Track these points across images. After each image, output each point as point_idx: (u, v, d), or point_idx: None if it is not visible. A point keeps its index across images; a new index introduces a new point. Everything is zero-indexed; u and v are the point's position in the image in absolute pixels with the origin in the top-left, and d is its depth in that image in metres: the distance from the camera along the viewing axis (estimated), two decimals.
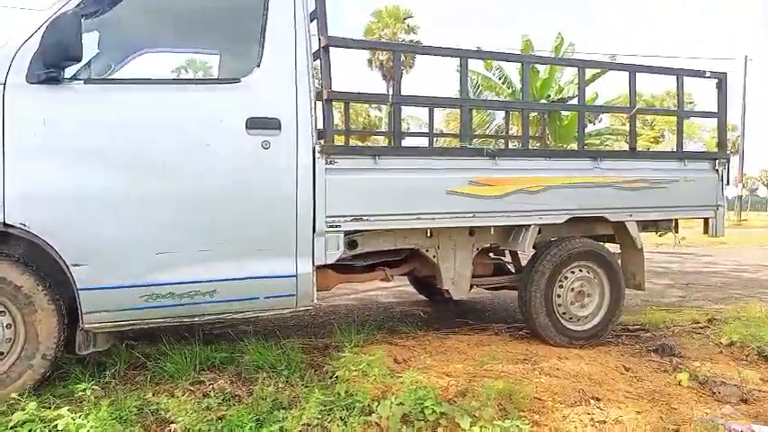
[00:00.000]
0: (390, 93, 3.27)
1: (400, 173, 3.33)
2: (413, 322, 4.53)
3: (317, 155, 3.13)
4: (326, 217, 3.17)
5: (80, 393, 2.68)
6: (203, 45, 4.20)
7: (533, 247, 3.91)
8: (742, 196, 32.84)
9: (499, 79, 18.88)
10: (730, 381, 3.34)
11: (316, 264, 3.20)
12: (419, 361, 3.41)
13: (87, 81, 2.83)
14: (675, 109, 4.05)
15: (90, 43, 3.51)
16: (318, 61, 3.27)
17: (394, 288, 6.28)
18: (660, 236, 4.42)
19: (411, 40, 34.17)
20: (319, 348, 3.75)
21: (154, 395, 2.80)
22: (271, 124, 3.03)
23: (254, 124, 3.00)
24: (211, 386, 2.95)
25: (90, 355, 3.12)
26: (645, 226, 4.27)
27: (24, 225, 2.65)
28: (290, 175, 3.07)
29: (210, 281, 2.99)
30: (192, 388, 2.94)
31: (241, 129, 2.98)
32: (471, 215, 3.49)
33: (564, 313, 3.85)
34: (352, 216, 3.24)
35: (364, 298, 5.80)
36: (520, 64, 4.04)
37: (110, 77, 2.85)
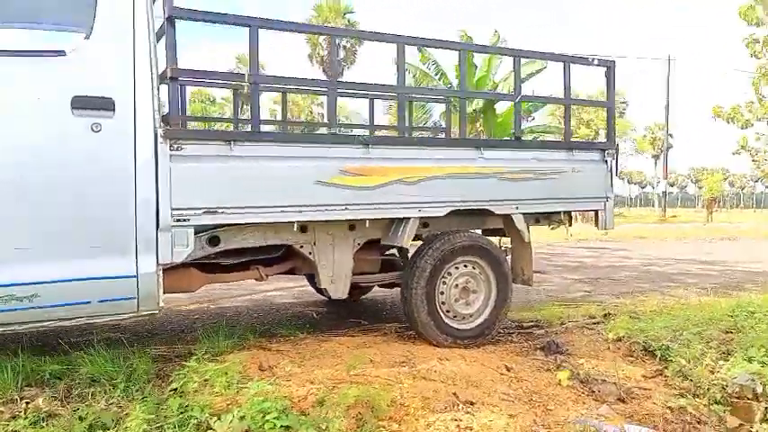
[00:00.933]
0: (247, 72, 2.95)
1: (260, 161, 3.02)
2: (300, 325, 4.24)
3: (160, 140, 2.77)
4: (172, 210, 2.82)
5: None
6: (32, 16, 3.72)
7: (422, 241, 3.70)
8: (666, 192, 34.24)
9: (436, 74, 18.85)
10: (611, 378, 3.22)
11: (161, 262, 2.84)
12: (284, 367, 3.12)
13: None
14: (563, 98, 3.91)
15: None
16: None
17: (296, 288, 6.00)
18: (552, 229, 4.29)
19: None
20: (181, 356, 3.39)
21: None
22: (102, 104, 2.66)
23: (81, 104, 2.62)
24: (26, 405, 2.56)
25: None
26: (537, 219, 4.13)
27: None
28: (126, 162, 2.71)
29: (30, 283, 2.59)
30: (2, 408, 2.54)
31: (65, 109, 2.60)
32: (343, 207, 3.22)
33: (448, 311, 3.64)
34: (203, 209, 2.90)
35: (259, 299, 5.46)
36: (458, 53, 3.78)
37: None
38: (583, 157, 3.94)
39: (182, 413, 2.48)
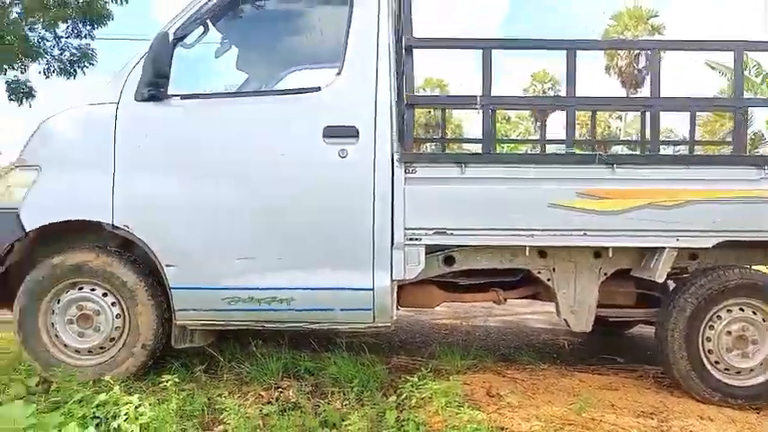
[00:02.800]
0: (479, 94, 2.94)
1: (491, 183, 2.97)
2: (546, 353, 4.03)
3: (396, 163, 2.96)
4: (405, 229, 2.98)
5: (164, 384, 2.92)
6: (317, 59, 4.28)
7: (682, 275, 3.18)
8: None
9: (756, 76, 16.08)
10: None
11: (395, 278, 3.02)
12: (513, 397, 2.99)
13: (183, 97, 3.08)
14: None
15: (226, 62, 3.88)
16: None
17: (554, 313, 5.70)
18: None
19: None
20: (418, 370, 3.53)
21: (230, 395, 2.93)
22: (348, 132, 2.96)
23: (331, 132, 2.96)
24: (279, 393, 2.98)
25: (202, 348, 3.37)
26: None
27: (128, 227, 2.99)
28: (366, 184, 2.96)
29: (288, 288, 3.02)
30: (263, 393, 3.01)
31: (318, 137, 2.97)
32: (581, 233, 2.95)
33: (716, 362, 3.02)
34: (434, 229, 2.99)
35: (513, 321, 5.35)
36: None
37: (197, 93, 3.06)
38: None
39: (399, 427, 2.59)
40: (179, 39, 2.99)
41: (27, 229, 2.99)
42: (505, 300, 3.56)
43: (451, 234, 2.99)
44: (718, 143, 8.56)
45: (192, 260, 3.01)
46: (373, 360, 3.41)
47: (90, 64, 16.43)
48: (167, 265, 3.00)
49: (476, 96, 2.94)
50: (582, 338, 4.69)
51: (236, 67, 3.92)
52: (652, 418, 2.86)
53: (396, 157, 2.96)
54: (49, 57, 16.20)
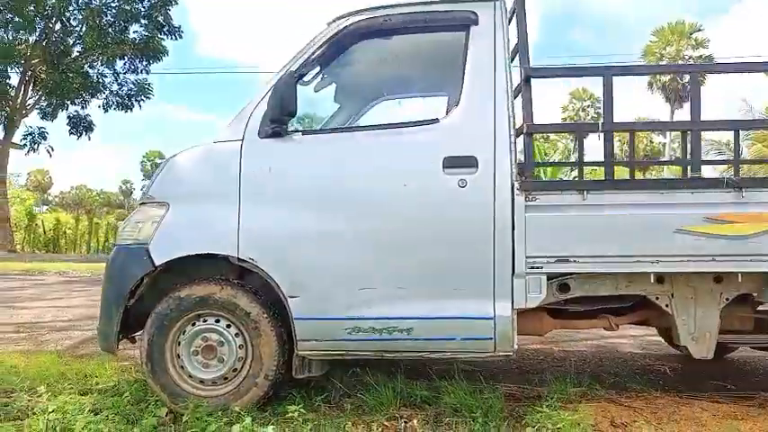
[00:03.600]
0: (600, 120, 2.95)
1: (614, 209, 2.95)
2: (651, 380, 3.93)
3: (516, 191, 2.97)
4: (527, 258, 2.98)
5: (290, 414, 2.95)
6: (425, 88, 4.42)
7: None
8: None
9: None
10: None
11: (516, 307, 3.01)
12: (640, 428, 2.93)
13: (304, 132, 3.17)
14: None
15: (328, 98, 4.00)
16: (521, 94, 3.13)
17: (643, 337, 5.59)
18: None
19: (700, 57, 30.70)
20: (530, 398, 3.49)
21: (353, 425, 2.94)
22: (467, 162, 2.99)
23: (451, 163, 3.00)
24: (404, 424, 2.98)
25: (314, 379, 3.41)
26: None
27: (253, 260, 3.06)
28: (486, 213, 2.98)
29: (408, 318, 3.03)
30: (386, 423, 3.01)
31: (438, 168, 3.01)
32: (709, 258, 2.90)
33: None
34: (555, 257, 2.98)
35: (604, 345, 5.25)
36: None
37: (317, 129, 3.15)
38: None
39: None
40: (299, 78, 3.09)
41: (157, 264, 3.09)
42: (618, 326, 3.51)
43: (574, 261, 2.98)
44: None
45: (315, 291, 3.06)
46: (485, 387, 3.39)
47: (146, 98, 17.16)
48: (290, 297, 3.05)
49: (597, 123, 2.94)
50: (680, 364, 4.58)
51: (334, 100, 4.03)
52: None
53: (516, 185, 2.97)
54: (107, 92, 16.99)
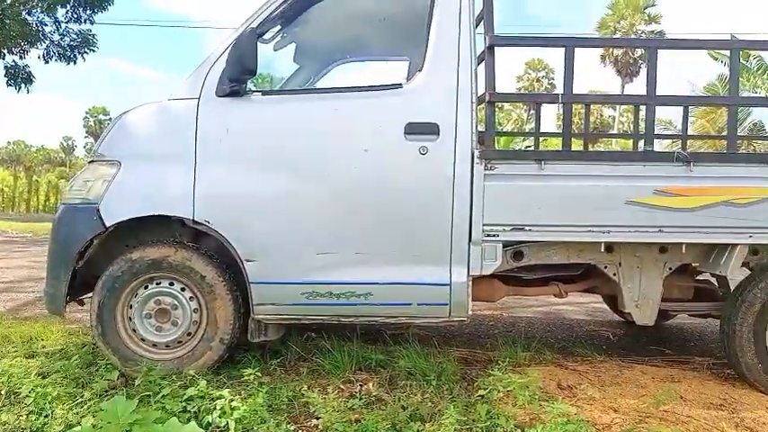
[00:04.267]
0: (560, 92, 2.98)
1: (569, 180, 3.01)
2: (595, 345, 4.11)
3: (476, 160, 2.99)
4: (484, 225, 3.02)
5: (246, 378, 2.95)
6: (387, 52, 4.36)
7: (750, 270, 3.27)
8: None
9: (758, 69, 16.32)
10: None
11: (471, 274, 3.06)
12: (585, 390, 3.07)
13: (264, 93, 3.09)
14: None
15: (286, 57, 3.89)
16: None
17: (588, 304, 5.81)
18: None
19: (652, 32, 31.36)
20: (481, 362, 3.60)
21: (309, 388, 2.96)
22: (429, 129, 2.99)
23: (413, 129, 2.99)
24: (360, 387, 3.02)
25: (269, 343, 3.40)
26: None
27: (208, 222, 3.00)
28: (446, 181, 2.99)
29: (366, 283, 3.05)
30: (342, 386, 3.05)
31: (400, 135, 2.99)
32: (656, 230, 3.02)
33: None
34: (511, 225, 3.03)
35: (551, 312, 5.44)
36: None
37: (278, 89, 3.07)
38: None
39: (488, 419, 2.65)
40: (260, 35, 2.99)
41: (107, 225, 2.99)
42: (567, 293, 3.63)
43: (529, 230, 3.04)
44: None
45: (272, 255, 3.03)
46: (438, 352, 3.47)
47: (90, 50, 16.26)
48: (247, 260, 3.01)
49: (557, 94, 2.98)
50: (623, 330, 4.80)
51: (293, 60, 3.93)
52: (723, 410, 2.95)
53: (476, 153, 2.99)
54: (48, 42, 16.02)
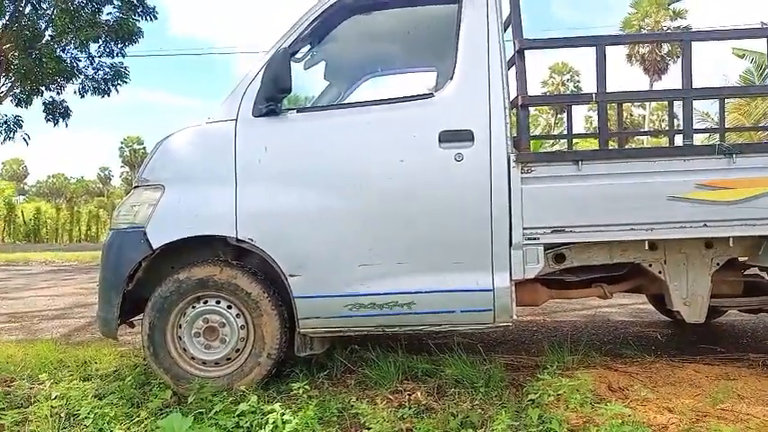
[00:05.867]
0: (594, 91, 2.97)
1: (608, 179, 2.99)
2: (644, 346, 4.03)
3: (512, 164, 2.99)
4: (523, 229, 3.01)
5: (295, 391, 2.98)
6: (415, 63, 4.40)
7: None
8: None
9: None
10: None
11: (514, 278, 3.05)
12: (638, 391, 3.01)
13: (299, 110, 3.16)
14: None
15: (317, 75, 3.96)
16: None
17: (632, 305, 5.71)
18: None
19: (678, 27, 30.82)
20: (528, 367, 3.56)
21: (357, 400, 2.98)
22: (463, 136, 3.01)
23: (447, 137, 3.01)
24: (408, 396, 3.03)
25: (315, 356, 3.43)
26: None
27: (252, 240, 3.06)
28: (483, 186, 3.00)
29: (408, 292, 3.06)
30: (390, 396, 3.05)
31: (434, 143, 3.01)
32: (701, 224, 2.96)
33: None
34: (551, 228, 3.02)
35: (595, 315, 5.35)
36: None
37: (311, 106, 3.13)
38: None
39: (541, 424, 2.62)
40: (292, 54, 3.06)
41: (154, 247, 3.08)
42: (612, 294, 3.58)
43: (570, 232, 3.02)
44: None
45: (315, 269, 3.07)
46: (485, 359, 3.45)
47: (123, 82, 16.79)
48: (290, 276, 3.06)
49: (591, 93, 2.97)
50: (670, 329, 4.70)
51: (324, 77, 4.00)
52: None
53: (511, 157, 2.99)
54: (83, 76, 16.60)
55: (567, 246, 3.23)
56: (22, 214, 25.44)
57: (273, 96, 3.00)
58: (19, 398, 3.12)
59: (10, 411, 2.92)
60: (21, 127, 17.44)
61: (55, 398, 2.97)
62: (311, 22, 3.10)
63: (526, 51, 3.05)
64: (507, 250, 3.03)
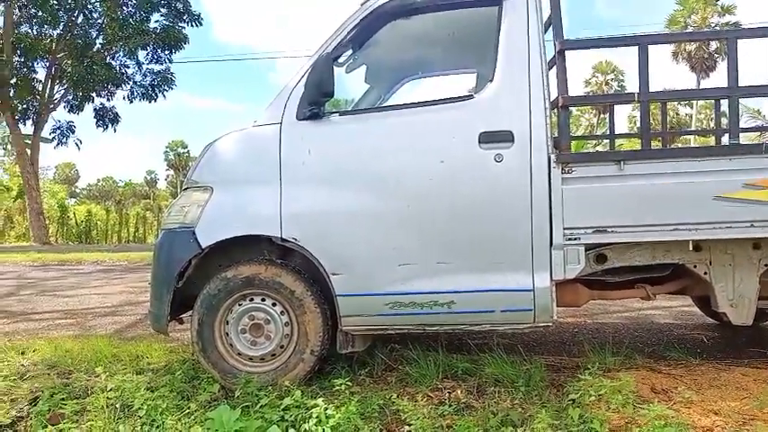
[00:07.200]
0: (636, 91, 2.95)
1: (651, 179, 2.96)
2: (689, 348, 3.95)
3: (553, 164, 3.00)
4: (564, 229, 3.01)
5: (337, 387, 3.06)
6: (455, 65, 4.44)
7: None
8: None
9: None
10: None
11: (554, 278, 3.06)
12: (682, 393, 2.97)
13: (341, 113, 3.24)
14: None
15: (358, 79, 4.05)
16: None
17: (677, 308, 5.59)
18: None
19: (726, 23, 29.87)
20: (568, 368, 3.55)
21: (398, 397, 3.03)
22: (503, 137, 3.03)
23: (487, 138, 3.04)
24: (448, 394, 3.07)
25: (356, 354, 3.50)
26: None
27: (296, 239, 3.15)
28: (524, 186, 3.02)
29: (448, 292, 3.10)
30: (431, 394, 3.10)
31: (474, 144, 3.05)
32: (748, 224, 2.91)
33: None
34: (593, 228, 3.01)
35: (638, 317, 5.27)
36: None
37: (353, 109, 3.21)
38: None
39: (581, 423, 2.62)
40: (335, 59, 3.14)
41: (203, 246, 3.20)
42: (655, 296, 3.53)
43: (612, 232, 3.01)
44: None
45: (357, 268, 3.14)
46: (525, 359, 3.45)
47: (170, 87, 17.35)
48: (333, 274, 3.14)
49: (633, 93, 2.95)
50: (716, 332, 4.59)
51: (364, 81, 4.08)
52: None
53: (552, 158, 3.00)
54: (131, 83, 17.21)
55: (608, 246, 3.21)
56: (75, 216, 26.46)
57: (317, 100, 3.09)
58: (77, 389, 3.29)
59: (69, 401, 3.09)
60: (73, 132, 18.21)
61: (110, 390, 3.12)
62: (353, 28, 3.18)
63: (567, 52, 3.05)
64: (548, 250, 3.04)
